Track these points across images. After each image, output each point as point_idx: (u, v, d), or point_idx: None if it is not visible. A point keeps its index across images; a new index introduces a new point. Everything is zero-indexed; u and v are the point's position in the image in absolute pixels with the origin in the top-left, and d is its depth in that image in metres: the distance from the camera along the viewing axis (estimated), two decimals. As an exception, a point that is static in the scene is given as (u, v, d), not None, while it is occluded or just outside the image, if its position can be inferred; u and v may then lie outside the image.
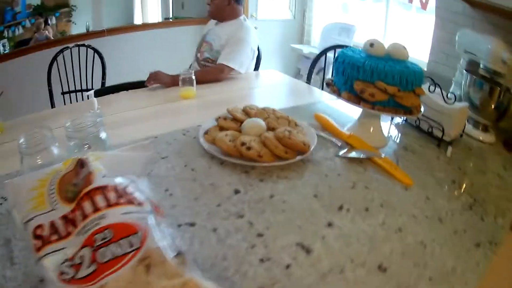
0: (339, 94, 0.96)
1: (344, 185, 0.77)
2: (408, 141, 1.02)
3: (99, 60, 2.22)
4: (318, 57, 2.25)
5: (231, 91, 1.62)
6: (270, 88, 1.72)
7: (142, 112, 1.34)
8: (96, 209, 0.43)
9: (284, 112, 0.98)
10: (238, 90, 1.65)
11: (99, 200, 0.44)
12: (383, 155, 0.88)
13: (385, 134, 1.03)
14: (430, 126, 1.04)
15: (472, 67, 1.20)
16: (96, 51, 2.24)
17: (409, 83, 0.87)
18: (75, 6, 4.19)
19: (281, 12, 3.74)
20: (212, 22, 2.10)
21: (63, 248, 0.43)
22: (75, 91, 2.34)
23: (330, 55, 2.22)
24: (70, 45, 2.27)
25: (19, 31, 3.95)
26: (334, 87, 0.99)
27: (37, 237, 0.44)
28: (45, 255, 0.42)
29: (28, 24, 3.89)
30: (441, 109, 1.02)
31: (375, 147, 0.94)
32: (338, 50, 2.26)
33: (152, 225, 0.44)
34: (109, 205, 0.43)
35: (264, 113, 0.93)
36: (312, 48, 3.38)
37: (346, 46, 2.22)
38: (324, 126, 1.06)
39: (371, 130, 0.98)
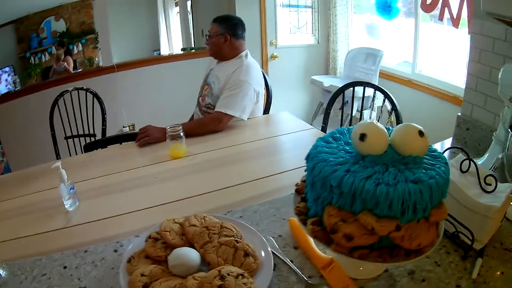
0: (304, 220, 0.63)
1: None
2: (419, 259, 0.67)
3: (99, 105, 2.12)
4: (334, 96, 1.95)
5: (229, 148, 1.45)
6: (274, 143, 1.53)
7: (122, 177, 1.28)
8: None
9: (237, 225, 0.74)
10: (236, 146, 1.47)
11: None
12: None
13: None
14: (456, 230, 0.71)
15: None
16: (95, 95, 2.14)
17: (419, 211, 0.52)
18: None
19: (303, 37, 3.51)
20: (215, 60, 1.93)
21: None
22: (78, 135, 2.25)
23: (358, 88, 1.95)
24: (69, 88, 2.18)
25: (45, 57, 4.02)
26: (301, 206, 0.66)
27: None
28: None
29: (54, 50, 3.97)
30: (473, 206, 0.70)
31: (366, 278, 0.65)
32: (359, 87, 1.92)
33: None
34: None
35: (204, 234, 0.69)
36: (334, 79, 3.07)
37: (367, 84, 1.95)
38: (297, 240, 0.74)
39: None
